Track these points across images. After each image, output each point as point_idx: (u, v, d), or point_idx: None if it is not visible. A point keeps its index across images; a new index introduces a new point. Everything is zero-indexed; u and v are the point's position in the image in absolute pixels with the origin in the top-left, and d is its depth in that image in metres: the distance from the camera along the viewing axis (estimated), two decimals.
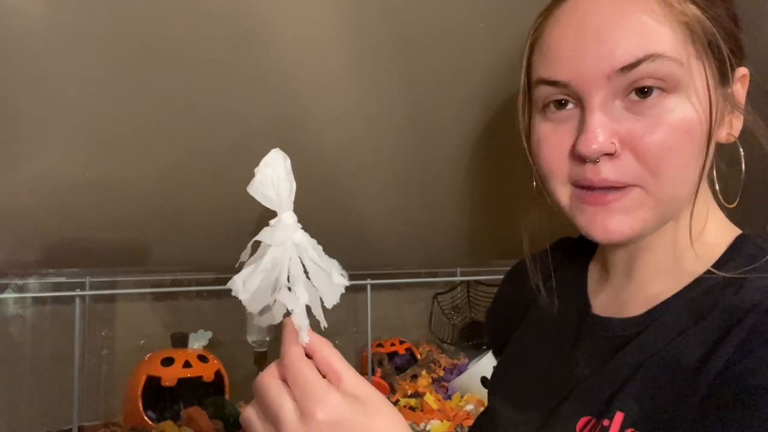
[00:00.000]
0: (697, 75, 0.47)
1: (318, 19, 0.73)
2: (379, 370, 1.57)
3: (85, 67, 0.70)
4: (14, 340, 1.29)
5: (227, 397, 1.37)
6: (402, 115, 0.90)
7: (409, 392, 1.50)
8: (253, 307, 0.45)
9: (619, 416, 0.46)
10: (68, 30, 0.66)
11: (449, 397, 1.48)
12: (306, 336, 0.43)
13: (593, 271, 0.61)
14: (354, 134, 0.91)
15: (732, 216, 0.53)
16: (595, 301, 0.58)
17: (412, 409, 1.39)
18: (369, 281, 1.41)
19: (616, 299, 0.56)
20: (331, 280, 0.46)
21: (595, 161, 0.48)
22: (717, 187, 0.52)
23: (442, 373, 1.65)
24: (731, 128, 0.51)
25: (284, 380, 0.42)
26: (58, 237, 0.93)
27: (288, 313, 0.44)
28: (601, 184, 0.49)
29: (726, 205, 0.52)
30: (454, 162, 1.02)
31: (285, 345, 0.43)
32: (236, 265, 0.46)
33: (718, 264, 0.49)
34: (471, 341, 1.84)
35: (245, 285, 0.44)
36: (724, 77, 0.49)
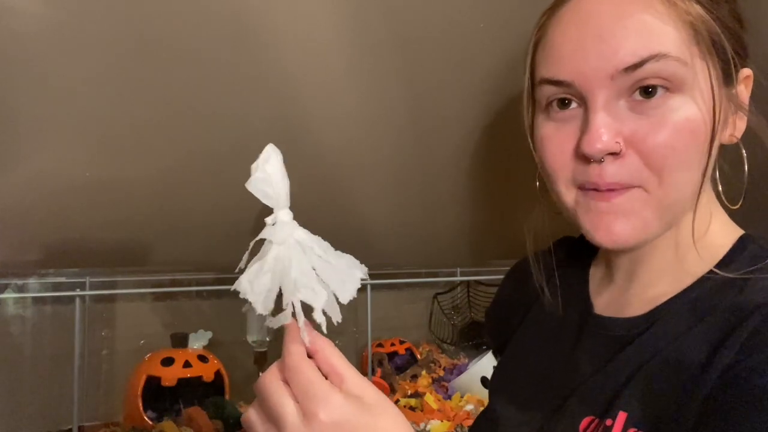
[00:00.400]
0: (701, 75, 0.47)
1: (318, 19, 0.73)
2: (379, 370, 1.57)
3: (85, 67, 0.69)
4: (14, 340, 1.30)
5: (227, 397, 1.37)
6: (402, 115, 0.90)
7: (409, 392, 1.50)
8: (263, 308, 0.43)
9: (621, 416, 0.46)
10: (68, 30, 0.66)
11: (449, 397, 1.48)
12: (308, 337, 0.42)
13: (595, 272, 0.61)
14: (354, 134, 0.91)
15: (736, 217, 0.53)
16: (597, 301, 0.58)
17: (412, 409, 1.40)
18: (369, 281, 1.40)
19: (618, 300, 0.56)
20: (341, 276, 0.44)
21: (599, 161, 0.48)
22: (720, 189, 0.52)
23: (442, 373, 1.65)
24: (734, 129, 0.50)
25: (286, 381, 0.42)
26: (58, 237, 0.93)
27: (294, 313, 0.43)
28: (605, 187, 0.48)
29: (729, 206, 0.52)
30: (454, 162, 1.02)
31: (287, 345, 0.43)
32: (236, 270, 0.45)
33: (721, 265, 0.49)
34: (471, 341, 1.84)
35: (253, 286, 0.43)
36: (727, 78, 0.49)
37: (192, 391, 1.33)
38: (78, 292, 1.23)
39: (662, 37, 0.46)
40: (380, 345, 1.70)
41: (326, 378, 0.42)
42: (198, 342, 1.38)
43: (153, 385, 1.29)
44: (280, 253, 0.44)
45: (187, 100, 0.78)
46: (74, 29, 0.66)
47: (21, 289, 1.29)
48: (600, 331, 0.54)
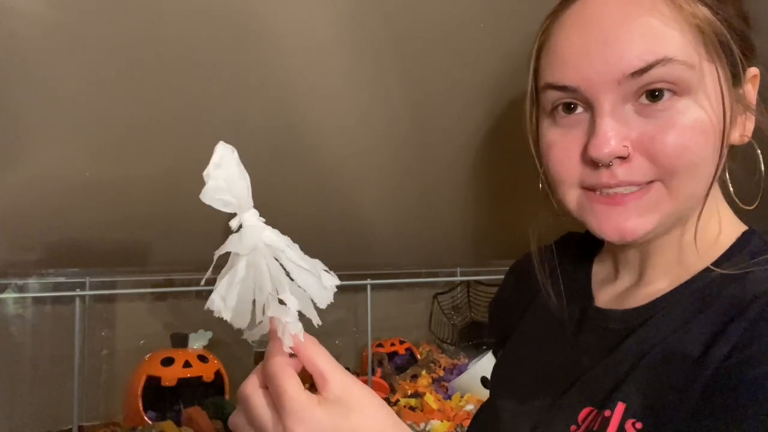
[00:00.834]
0: (709, 77, 0.47)
1: (318, 20, 0.73)
2: (379, 370, 1.57)
3: (85, 67, 0.69)
4: (14, 340, 1.30)
5: (227, 397, 1.37)
6: (402, 116, 0.90)
7: (409, 392, 1.50)
8: (238, 322, 0.41)
9: (620, 407, 0.46)
10: (68, 30, 0.66)
11: (449, 397, 1.48)
12: (291, 341, 0.40)
13: (599, 267, 0.61)
14: (354, 135, 0.91)
15: (750, 216, 0.52)
16: (599, 295, 0.58)
17: (412, 409, 1.40)
18: (369, 281, 1.41)
19: (622, 295, 0.56)
20: (316, 280, 0.41)
21: (608, 165, 0.48)
22: (732, 189, 0.51)
23: (442, 373, 1.65)
24: (744, 129, 0.50)
25: (266, 387, 0.42)
26: (58, 237, 0.93)
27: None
28: (621, 185, 0.48)
29: (744, 206, 0.52)
30: (454, 162, 1.02)
31: (267, 351, 0.42)
32: (202, 283, 0.43)
33: (722, 259, 0.49)
34: (471, 341, 1.84)
35: (226, 302, 0.40)
36: (735, 78, 0.48)
37: (192, 391, 1.33)
38: (78, 292, 1.23)
39: (668, 40, 0.46)
40: (380, 345, 1.70)
41: (313, 377, 0.41)
42: (198, 342, 1.38)
43: (153, 385, 1.29)
44: (249, 261, 0.40)
45: (187, 100, 0.78)
46: (74, 29, 0.66)
47: (21, 289, 1.29)
48: (600, 323, 0.54)
